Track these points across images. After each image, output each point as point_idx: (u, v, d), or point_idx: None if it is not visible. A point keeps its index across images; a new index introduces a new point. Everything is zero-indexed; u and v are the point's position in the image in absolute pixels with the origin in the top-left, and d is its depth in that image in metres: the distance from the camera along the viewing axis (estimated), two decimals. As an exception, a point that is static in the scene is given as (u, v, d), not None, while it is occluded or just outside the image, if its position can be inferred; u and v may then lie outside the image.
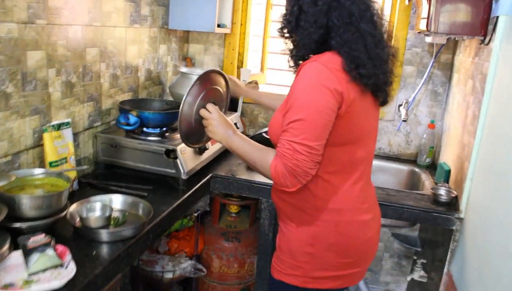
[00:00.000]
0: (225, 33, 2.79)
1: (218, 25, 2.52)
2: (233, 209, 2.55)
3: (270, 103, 1.88)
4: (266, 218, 2.09)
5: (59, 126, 1.67)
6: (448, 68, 2.54)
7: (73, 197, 1.69)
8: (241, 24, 2.81)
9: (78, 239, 1.41)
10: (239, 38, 2.83)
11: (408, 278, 2.36)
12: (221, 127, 1.45)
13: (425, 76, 2.55)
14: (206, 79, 1.55)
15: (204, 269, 2.42)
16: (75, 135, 1.85)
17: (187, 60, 2.82)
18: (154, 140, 1.92)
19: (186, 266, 2.34)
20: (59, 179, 1.54)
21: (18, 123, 1.55)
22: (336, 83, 1.22)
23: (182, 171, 1.85)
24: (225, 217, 2.56)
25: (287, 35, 1.36)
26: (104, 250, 1.38)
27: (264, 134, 2.48)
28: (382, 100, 1.39)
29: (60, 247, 1.30)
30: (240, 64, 2.88)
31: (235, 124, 2.39)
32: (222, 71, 1.65)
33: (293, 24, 1.32)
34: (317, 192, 1.35)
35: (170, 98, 2.50)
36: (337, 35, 1.26)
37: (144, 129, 1.97)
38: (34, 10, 1.53)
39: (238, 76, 2.82)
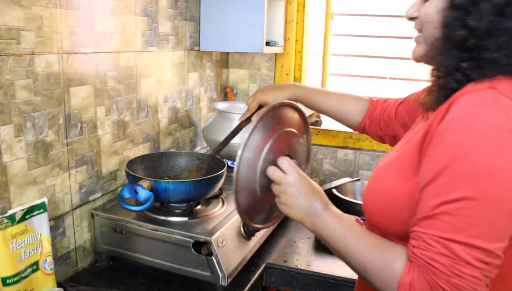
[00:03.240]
0: (275, 53, 2.12)
1: (267, 43, 1.85)
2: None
3: (327, 105, 1.30)
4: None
5: (23, 216, 1.04)
6: None
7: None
8: (296, 41, 2.14)
9: None
10: (293, 58, 2.15)
11: None
12: (303, 197, 0.88)
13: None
14: (273, 118, 0.94)
15: None
16: (58, 219, 1.21)
17: (228, 91, 2.16)
18: (177, 223, 1.25)
19: None
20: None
21: None
22: None
23: (220, 274, 1.16)
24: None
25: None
26: None
27: (336, 192, 1.78)
28: None
29: None
30: (296, 93, 2.19)
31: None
32: (295, 104, 1.01)
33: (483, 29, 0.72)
34: None
35: (206, 145, 1.85)
36: None
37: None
38: None
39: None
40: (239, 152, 0.87)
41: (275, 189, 0.91)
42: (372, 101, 1.26)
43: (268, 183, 0.91)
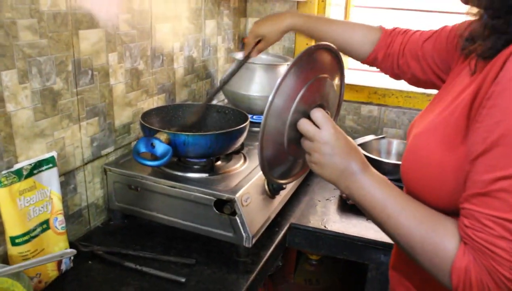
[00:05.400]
0: (297, 1, 1.97)
1: (291, -12, 1.71)
2: (313, 256, 1.78)
3: (331, 34, 1.18)
4: (377, 295, 1.30)
5: (31, 171, 0.95)
6: None
7: (63, 284, 0.99)
8: (319, -12, 1.99)
9: None
10: (316, 7, 2.00)
11: None
12: (339, 157, 0.76)
13: None
14: (307, 63, 0.80)
15: None
16: (69, 174, 1.12)
17: (245, 41, 2.02)
18: (196, 180, 1.16)
19: None
20: (16, 283, 0.82)
21: None
22: None
23: (244, 234, 1.08)
24: (303, 266, 1.79)
25: None
26: None
27: (361, 150, 1.67)
28: None
29: None
30: (318, 44, 2.06)
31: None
32: (332, 46, 0.86)
33: None
34: None
35: (223, 98, 1.74)
36: None
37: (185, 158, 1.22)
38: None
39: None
40: (270, 98, 0.76)
41: (306, 145, 0.80)
42: (385, 32, 1.12)
43: (297, 136, 0.80)
